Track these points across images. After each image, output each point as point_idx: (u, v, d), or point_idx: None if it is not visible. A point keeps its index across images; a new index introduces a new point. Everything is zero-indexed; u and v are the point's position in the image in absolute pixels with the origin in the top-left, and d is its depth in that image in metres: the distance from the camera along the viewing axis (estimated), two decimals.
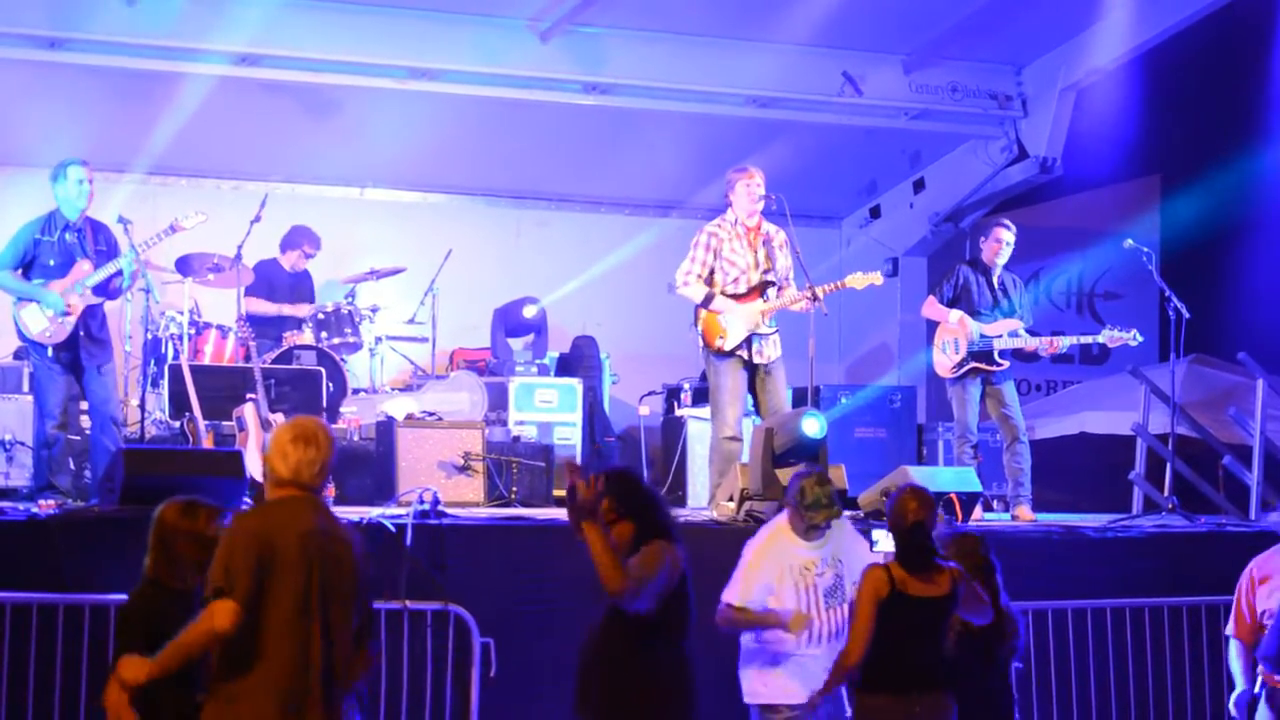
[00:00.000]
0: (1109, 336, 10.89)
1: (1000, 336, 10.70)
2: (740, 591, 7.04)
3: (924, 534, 6.56)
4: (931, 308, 10.98)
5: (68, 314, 9.46)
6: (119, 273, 9.62)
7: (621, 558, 5.96)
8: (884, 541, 6.97)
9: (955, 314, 10.75)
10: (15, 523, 8.01)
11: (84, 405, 10.03)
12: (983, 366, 10.70)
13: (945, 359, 10.81)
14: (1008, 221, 11.15)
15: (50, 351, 9.53)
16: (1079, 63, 13.41)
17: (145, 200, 12.46)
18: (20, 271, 9.58)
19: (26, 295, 9.52)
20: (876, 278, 9.95)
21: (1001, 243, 10.89)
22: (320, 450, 5.38)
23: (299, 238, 12.55)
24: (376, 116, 12.79)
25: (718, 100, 13.18)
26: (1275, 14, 13.07)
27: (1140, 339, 10.91)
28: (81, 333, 9.55)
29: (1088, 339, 11.26)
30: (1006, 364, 10.78)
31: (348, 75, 12.29)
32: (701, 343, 9.77)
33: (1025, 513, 10.53)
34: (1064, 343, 11.06)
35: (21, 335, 9.68)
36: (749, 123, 13.21)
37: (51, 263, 9.57)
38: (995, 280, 10.91)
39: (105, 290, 9.65)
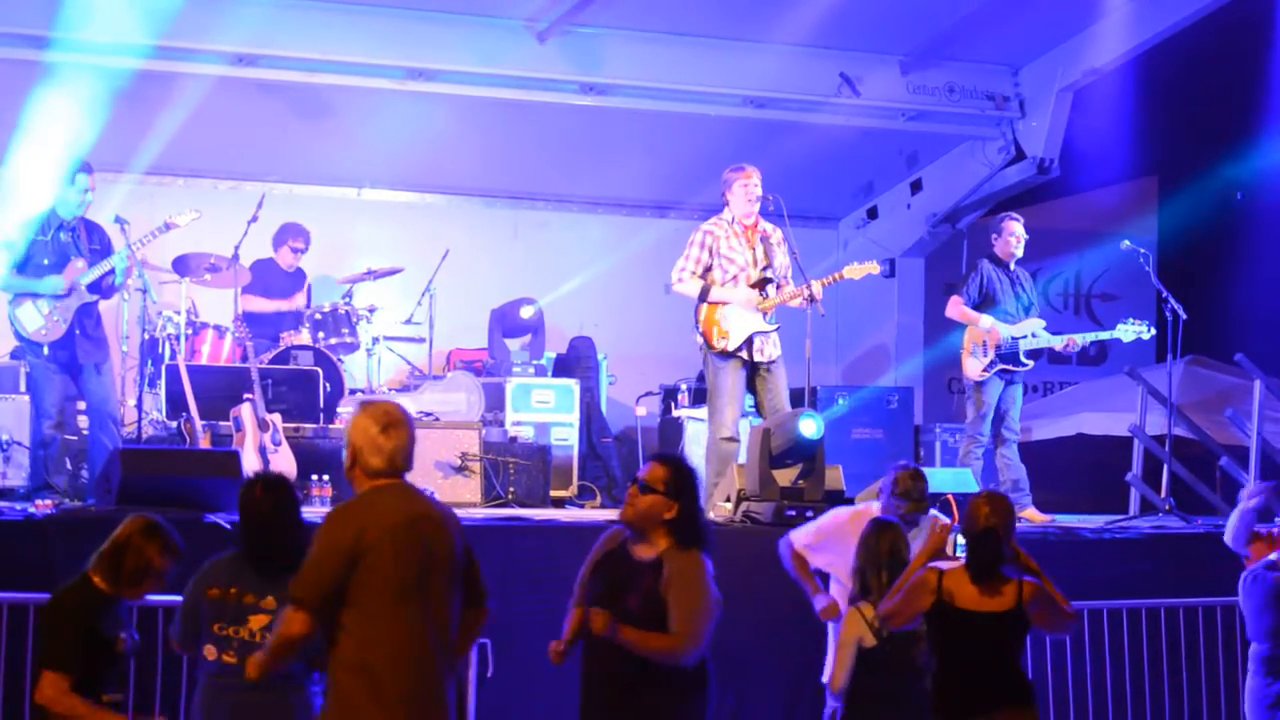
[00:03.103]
0: (1124, 330, 10.86)
1: (1025, 337, 10.70)
2: (808, 538, 7.50)
3: (994, 541, 6.20)
4: (958, 309, 10.84)
5: (69, 294, 9.46)
6: (112, 270, 9.62)
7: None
8: None
9: (987, 319, 10.68)
10: (12, 523, 8.02)
11: (81, 405, 10.03)
12: (1010, 368, 10.69)
13: (977, 362, 10.71)
14: (1015, 214, 11.14)
15: (46, 350, 9.53)
16: (1076, 64, 13.39)
17: (142, 200, 12.44)
18: (14, 271, 9.61)
19: (26, 291, 9.53)
20: (873, 266, 9.96)
21: (1017, 236, 10.87)
22: (408, 432, 5.37)
23: (285, 233, 12.54)
24: (373, 117, 12.77)
25: (715, 101, 13.16)
26: (1273, 15, 13.05)
27: (1154, 332, 10.89)
28: (77, 331, 9.55)
29: (1106, 335, 11.16)
30: (1032, 364, 10.79)
31: (345, 75, 12.28)
32: (703, 343, 9.77)
33: (1035, 515, 10.53)
34: (1083, 339, 11.01)
35: (18, 334, 9.68)
36: (746, 123, 13.20)
37: (46, 261, 9.57)
38: (1013, 275, 10.92)
39: (99, 289, 9.66)
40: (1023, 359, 10.70)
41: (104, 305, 9.84)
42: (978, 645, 6.22)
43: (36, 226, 9.60)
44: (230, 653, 5.99)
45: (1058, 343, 10.81)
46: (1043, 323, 10.82)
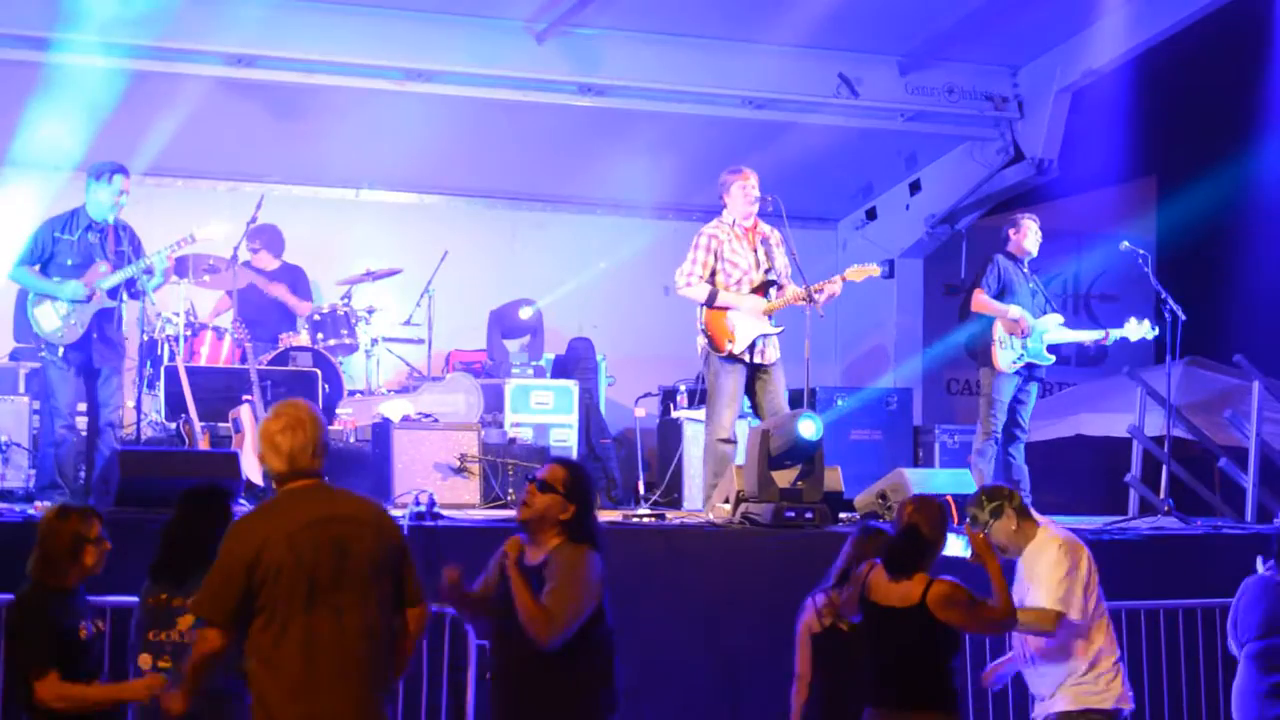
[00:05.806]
0: (1131, 329, 10.92)
1: (1048, 331, 10.72)
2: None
3: (913, 538, 6.32)
4: (983, 302, 10.78)
5: (88, 300, 9.43)
6: (149, 271, 9.54)
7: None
8: (953, 545, 6.67)
9: (1015, 309, 10.68)
10: (11, 524, 8.00)
11: (81, 407, 9.99)
12: (1036, 362, 10.72)
13: (1009, 354, 10.69)
14: (1032, 214, 11.17)
15: (61, 352, 9.50)
16: (1075, 64, 13.40)
17: (140, 202, 12.26)
18: (38, 268, 9.57)
19: (44, 292, 9.50)
20: (873, 269, 9.96)
21: (1033, 233, 10.91)
22: (309, 431, 5.35)
23: (255, 236, 12.42)
24: (372, 118, 12.77)
25: (714, 101, 13.17)
26: (1272, 15, 13.06)
27: (1156, 331, 10.90)
28: (94, 335, 9.50)
29: (1118, 332, 11.10)
30: (1053, 359, 10.82)
31: (343, 76, 12.28)
32: (705, 345, 9.75)
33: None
34: (1115, 335, 11.02)
35: (34, 333, 9.65)
36: (745, 124, 13.20)
37: (69, 262, 9.52)
38: (1026, 273, 10.94)
39: (119, 293, 9.55)
40: (1046, 354, 10.74)
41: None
42: (886, 639, 6.31)
43: (61, 224, 9.57)
44: (165, 657, 6.03)
45: (1084, 337, 10.83)
46: (1061, 318, 10.84)
